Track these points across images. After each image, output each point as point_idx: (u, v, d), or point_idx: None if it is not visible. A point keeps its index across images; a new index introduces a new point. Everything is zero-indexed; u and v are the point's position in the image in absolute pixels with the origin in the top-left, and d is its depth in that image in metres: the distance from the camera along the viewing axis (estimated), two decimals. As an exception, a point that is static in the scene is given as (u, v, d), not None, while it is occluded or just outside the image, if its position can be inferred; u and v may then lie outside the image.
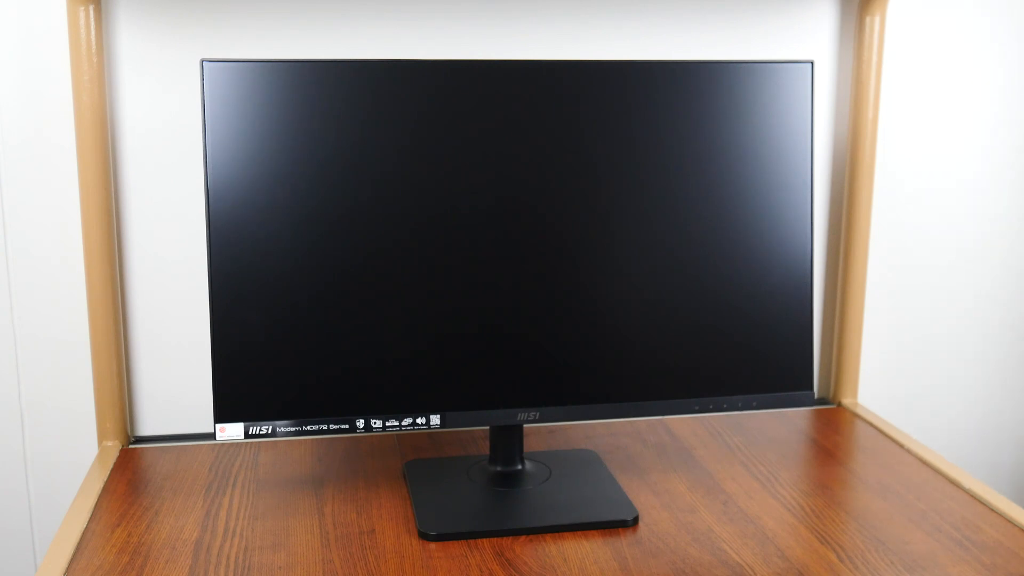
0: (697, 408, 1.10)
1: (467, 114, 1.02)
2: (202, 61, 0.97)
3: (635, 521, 1.07)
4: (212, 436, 1.29)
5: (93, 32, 1.16)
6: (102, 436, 1.25)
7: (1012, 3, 1.41)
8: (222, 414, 1.01)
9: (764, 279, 1.09)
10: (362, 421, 1.03)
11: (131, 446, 1.27)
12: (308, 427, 1.02)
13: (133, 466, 1.21)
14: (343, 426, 1.03)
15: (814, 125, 1.08)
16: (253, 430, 1.02)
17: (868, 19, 1.33)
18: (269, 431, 1.02)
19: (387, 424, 1.04)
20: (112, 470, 1.19)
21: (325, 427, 1.03)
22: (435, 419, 1.05)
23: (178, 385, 1.30)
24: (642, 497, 1.13)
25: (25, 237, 1.25)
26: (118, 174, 1.24)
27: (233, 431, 1.01)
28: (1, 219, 1.24)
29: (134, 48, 1.22)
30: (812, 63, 1.09)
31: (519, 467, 1.16)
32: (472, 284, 1.04)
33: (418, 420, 1.04)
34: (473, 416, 1.06)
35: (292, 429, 1.02)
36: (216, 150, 0.98)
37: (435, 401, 1.05)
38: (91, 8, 1.15)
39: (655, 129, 1.05)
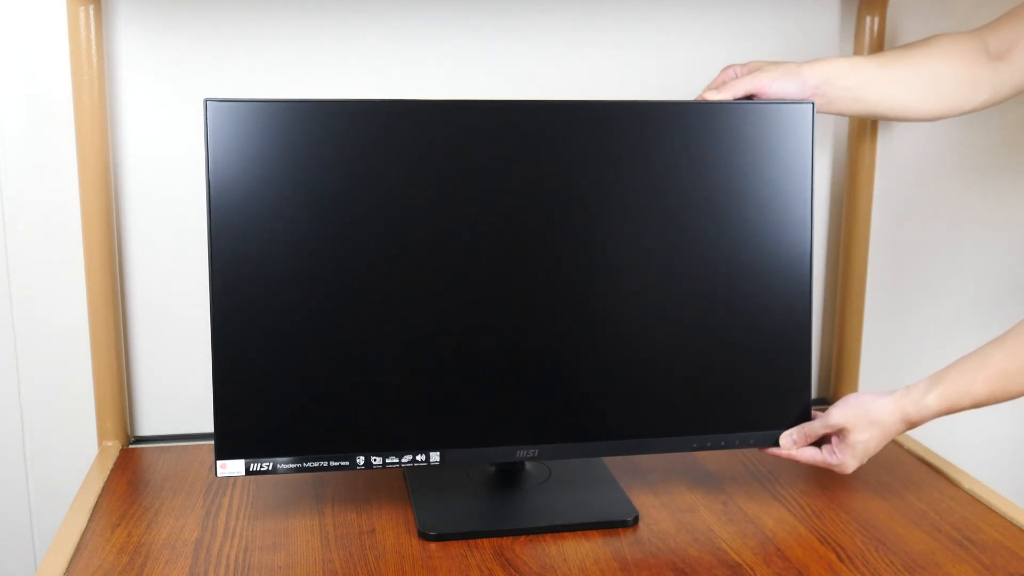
0: (695, 446, 1.09)
1: (467, 152, 1.02)
2: (205, 101, 0.97)
3: (635, 521, 1.07)
4: (212, 436, 1.29)
5: (93, 32, 1.16)
6: (102, 436, 1.25)
7: (1011, 2, 1.41)
8: (223, 451, 1.01)
9: (763, 320, 1.08)
10: (362, 458, 1.03)
11: (131, 446, 1.27)
12: (308, 464, 1.03)
13: (133, 466, 1.21)
14: (343, 463, 1.03)
15: (815, 164, 1.07)
16: (254, 467, 1.02)
17: (868, 19, 1.33)
18: (270, 468, 1.02)
19: (387, 461, 1.04)
20: (112, 470, 1.19)
21: (325, 464, 1.03)
22: (435, 456, 1.05)
23: (178, 385, 1.30)
24: (642, 497, 1.13)
25: (25, 237, 1.25)
26: (118, 174, 1.24)
27: (234, 467, 1.01)
28: (1, 219, 1.24)
29: (134, 48, 1.22)
30: (813, 104, 1.08)
31: (519, 467, 1.16)
32: (471, 323, 1.04)
33: (418, 457, 1.04)
34: (473, 453, 1.06)
35: (293, 466, 1.02)
36: (219, 188, 0.98)
37: (435, 438, 1.05)
38: (91, 8, 1.15)
39: (655, 168, 1.05)
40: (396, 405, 1.04)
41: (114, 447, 1.25)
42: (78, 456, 1.29)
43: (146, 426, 1.31)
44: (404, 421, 1.04)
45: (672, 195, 1.05)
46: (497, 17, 1.28)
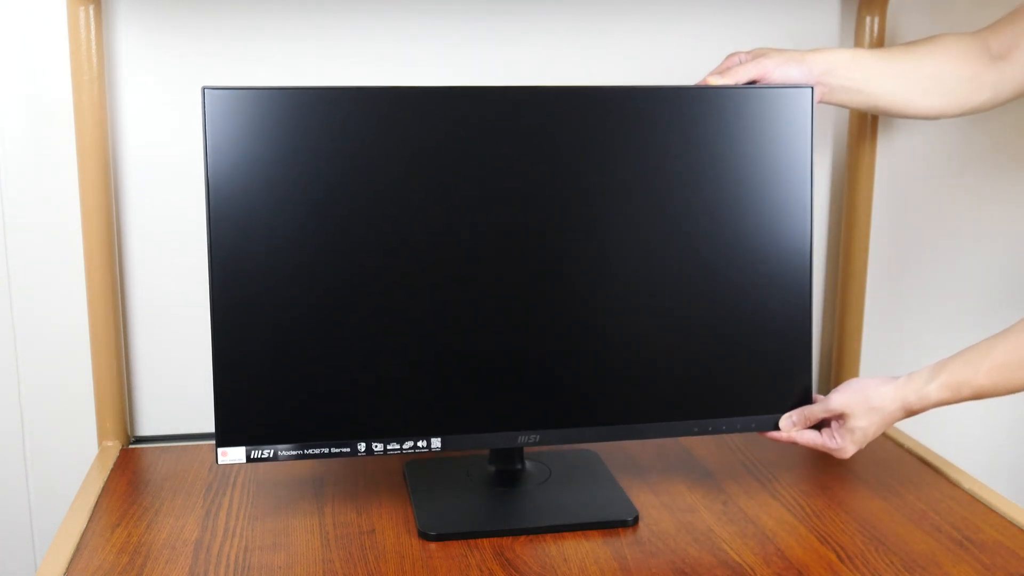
0: (696, 431, 1.10)
1: (467, 140, 1.01)
2: (203, 88, 0.97)
3: (635, 521, 1.07)
4: (212, 436, 1.29)
5: (93, 32, 1.16)
6: (102, 436, 1.25)
7: (1012, 2, 1.41)
8: (224, 439, 1.01)
9: (764, 304, 1.09)
10: (363, 444, 1.04)
11: (131, 446, 1.27)
12: (309, 451, 1.03)
13: (133, 466, 1.21)
14: (344, 449, 1.03)
15: (814, 150, 1.08)
16: (255, 454, 1.02)
17: (868, 18, 1.33)
18: (271, 455, 1.02)
19: (388, 448, 1.04)
20: (112, 470, 1.19)
21: (326, 451, 1.03)
22: (436, 442, 1.05)
23: (178, 385, 1.30)
24: (642, 497, 1.13)
25: (25, 237, 1.25)
26: (118, 174, 1.24)
27: (235, 455, 1.01)
28: (1, 219, 1.24)
29: (134, 48, 1.22)
30: (812, 88, 1.08)
31: (519, 467, 1.16)
32: (472, 311, 1.04)
33: (419, 443, 1.05)
34: (473, 439, 1.06)
35: (293, 453, 1.02)
36: (217, 177, 0.98)
37: (436, 424, 1.05)
38: (91, 8, 1.15)
39: (654, 154, 1.05)
40: (396, 397, 1.04)
41: (114, 447, 1.25)
42: (78, 456, 1.29)
43: (146, 426, 1.31)
44: (404, 412, 1.04)
45: (671, 181, 1.05)
46: (497, 17, 1.28)
